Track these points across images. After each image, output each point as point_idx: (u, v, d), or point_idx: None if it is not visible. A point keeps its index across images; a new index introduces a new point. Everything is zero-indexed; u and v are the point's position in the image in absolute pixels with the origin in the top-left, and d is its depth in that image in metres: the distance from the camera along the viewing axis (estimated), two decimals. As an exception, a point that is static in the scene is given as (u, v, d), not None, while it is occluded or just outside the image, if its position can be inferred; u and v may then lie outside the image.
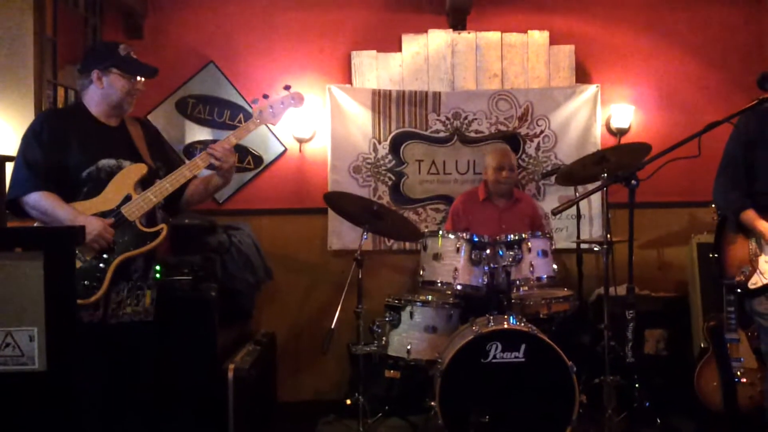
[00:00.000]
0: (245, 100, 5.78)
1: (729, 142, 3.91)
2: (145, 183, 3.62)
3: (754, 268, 3.77)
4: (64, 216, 3.38)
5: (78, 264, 3.30)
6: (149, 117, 5.57)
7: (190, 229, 4.92)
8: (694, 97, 6.06)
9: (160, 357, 3.92)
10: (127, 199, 3.52)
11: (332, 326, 4.62)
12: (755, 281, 3.75)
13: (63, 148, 3.49)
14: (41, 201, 3.42)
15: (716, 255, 3.98)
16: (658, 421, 4.91)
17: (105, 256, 3.42)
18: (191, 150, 5.77)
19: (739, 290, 3.87)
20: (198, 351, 4.48)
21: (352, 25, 5.94)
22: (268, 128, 5.77)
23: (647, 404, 4.86)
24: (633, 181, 3.64)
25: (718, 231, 4.01)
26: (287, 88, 3.95)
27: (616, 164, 4.88)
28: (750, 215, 3.75)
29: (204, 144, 5.73)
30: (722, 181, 3.94)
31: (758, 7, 6.09)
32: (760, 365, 4.57)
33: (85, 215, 3.40)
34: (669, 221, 6.09)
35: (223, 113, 5.85)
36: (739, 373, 4.64)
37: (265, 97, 3.93)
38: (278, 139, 5.90)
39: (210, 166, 3.73)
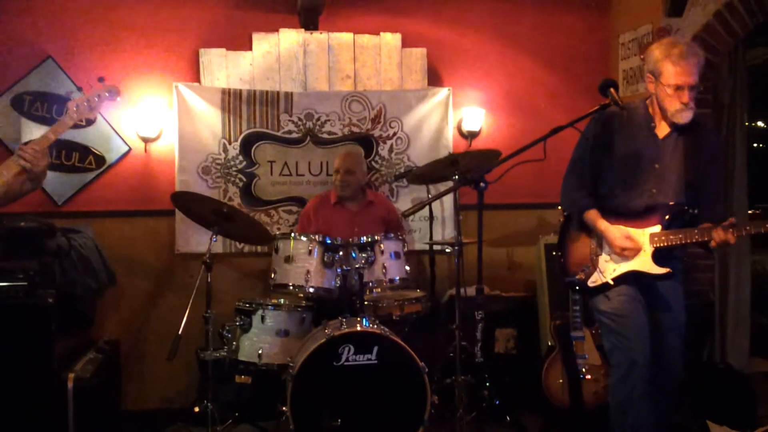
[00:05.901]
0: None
1: (577, 146, 4.02)
2: None
3: (594, 266, 3.88)
4: None
5: None
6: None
7: (25, 232, 4.65)
8: (541, 102, 6.21)
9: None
10: None
11: (179, 332, 4.45)
12: (595, 279, 3.86)
13: None
14: None
15: (559, 253, 4.07)
16: (508, 418, 5.01)
17: None
18: (28, 149, 5.44)
19: (578, 288, 3.98)
20: (34, 360, 4.29)
21: (200, 22, 5.76)
22: (112, 127, 5.58)
23: (497, 402, 4.96)
24: (481, 184, 3.67)
25: (562, 230, 4.11)
26: (101, 80, 3.84)
27: (467, 167, 4.94)
28: (592, 215, 3.86)
29: (42, 143, 5.45)
30: (569, 181, 4.04)
31: (602, 16, 6.29)
32: (603, 362, 4.70)
33: None
34: (518, 222, 6.22)
35: (62, 110, 5.50)
36: (583, 369, 4.77)
37: (80, 90, 3.80)
38: (122, 138, 5.66)
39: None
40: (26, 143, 3.63)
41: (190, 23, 5.76)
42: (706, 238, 3.60)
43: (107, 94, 3.86)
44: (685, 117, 3.69)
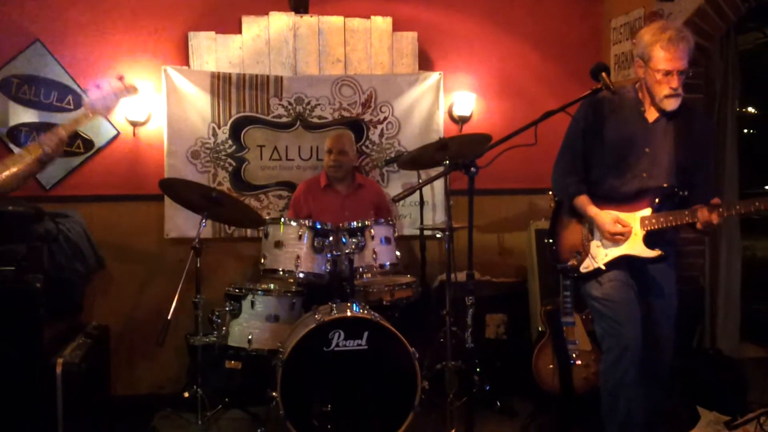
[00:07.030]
0: (74, 81, 5.51)
1: (568, 131, 4.00)
2: None
3: (586, 252, 3.87)
4: None
5: None
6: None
7: (13, 217, 4.59)
8: (533, 87, 6.19)
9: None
10: None
11: (169, 317, 4.41)
12: (587, 265, 3.85)
13: None
14: None
15: (551, 240, 4.06)
16: (498, 403, 5.04)
17: None
18: (16, 132, 5.43)
19: (571, 274, 3.97)
20: (22, 346, 4.22)
21: (189, 5, 5.72)
22: (100, 111, 5.52)
23: (487, 387, 4.98)
24: (472, 169, 3.62)
25: (553, 216, 4.10)
26: (121, 78, 3.82)
27: (458, 151, 4.92)
28: (583, 200, 3.85)
29: (29, 126, 5.47)
30: (560, 167, 4.03)
31: (594, 2, 6.27)
32: (594, 347, 4.70)
33: None
34: (509, 208, 6.21)
35: (50, 94, 5.52)
36: (574, 355, 4.77)
37: (98, 86, 3.78)
38: (110, 123, 5.62)
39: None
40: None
41: (179, 6, 5.72)
42: (696, 219, 3.59)
43: (126, 93, 3.88)
44: (672, 104, 3.68)
